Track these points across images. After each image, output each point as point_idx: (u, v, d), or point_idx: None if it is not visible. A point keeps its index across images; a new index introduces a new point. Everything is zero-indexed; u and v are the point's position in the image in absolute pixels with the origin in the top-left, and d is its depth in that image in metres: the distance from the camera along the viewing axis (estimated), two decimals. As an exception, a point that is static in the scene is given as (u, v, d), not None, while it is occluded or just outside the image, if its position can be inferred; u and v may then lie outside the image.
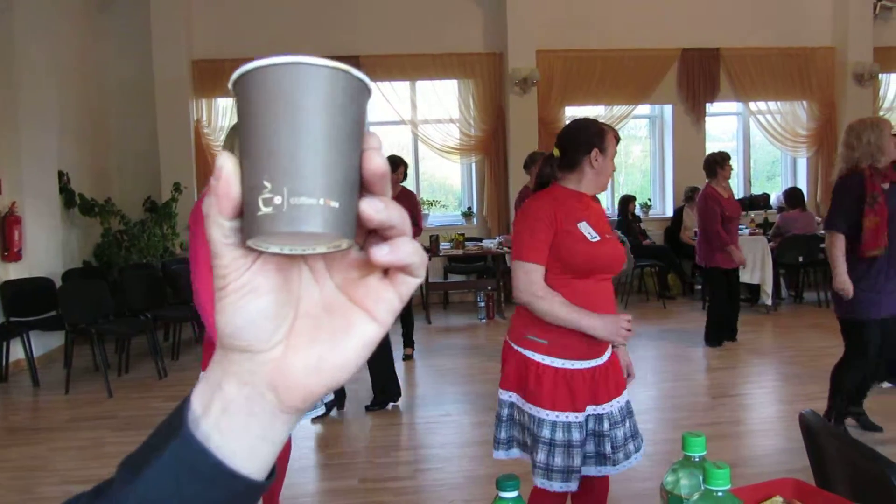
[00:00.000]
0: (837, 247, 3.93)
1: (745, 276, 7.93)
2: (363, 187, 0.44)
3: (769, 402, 5.22)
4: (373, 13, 9.14)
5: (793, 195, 8.63)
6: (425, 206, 9.56)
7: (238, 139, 0.42)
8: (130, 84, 8.89)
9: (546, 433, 2.34)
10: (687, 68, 9.70)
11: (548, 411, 2.35)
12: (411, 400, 5.45)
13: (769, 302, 8.02)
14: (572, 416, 2.35)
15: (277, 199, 0.39)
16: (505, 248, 8.28)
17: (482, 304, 8.29)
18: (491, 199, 9.51)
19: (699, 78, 9.73)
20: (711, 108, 9.93)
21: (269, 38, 8.90)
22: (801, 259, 8.18)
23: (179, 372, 6.42)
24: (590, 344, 2.38)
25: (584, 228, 2.39)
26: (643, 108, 9.98)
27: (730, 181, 6.53)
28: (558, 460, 2.33)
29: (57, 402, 5.74)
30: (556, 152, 2.49)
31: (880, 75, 9.96)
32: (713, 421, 4.70)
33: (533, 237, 2.39)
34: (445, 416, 4.97)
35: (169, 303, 7.03)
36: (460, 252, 8.22)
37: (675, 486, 1.13)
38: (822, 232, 4.43)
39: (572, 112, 9.63)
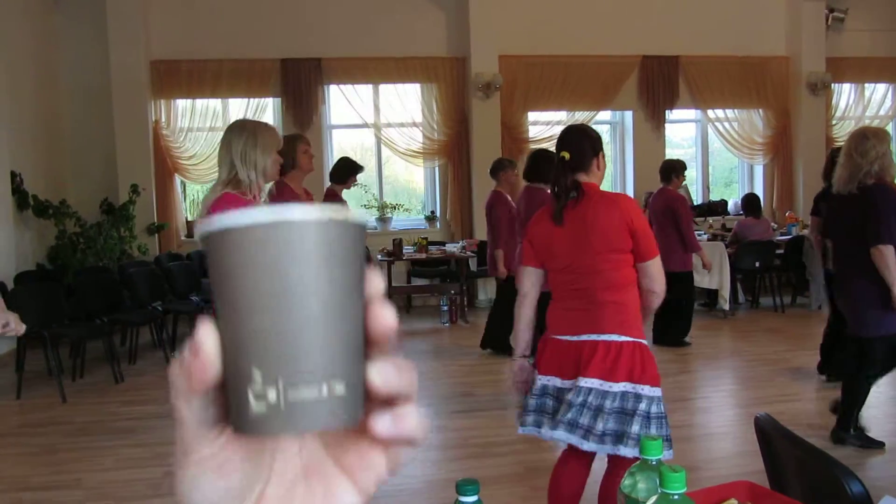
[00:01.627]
0: (891, 259, 3.66)
1: (703, 282, 8.06)
2: (368, 346, 0.37)
3: (726, 406, 5.30)
4: (335, 16, 9.09)
5: (750, 202, 8.79)
6: (388, 210, 9.53)
7: (216, 303, 0.35)
8: (87, 84, 8.71)
9: (655, 409, 2.62)
10: (647, 75, 9.83)
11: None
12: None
13: (726, 307, 8.15)
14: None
15: (272, 395, 0.33)
16: (468, 253, 8.29)
17: (445, 308, 8.28)
18: (454, 204, 9.52)
19: (659, 85, 9.86)
20: (671, 114, 10.06)
21: (229, 38, 8.80)
22: (757, 265, 8.33)
23: (136, 377, 6.30)
24: None
25: None
26: (604, 114, 10.07)
27: (689, 187, 6.70)
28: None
29: (7, 407, 5.58)
30: (567, 156, 2.63)
31: (832, 85, 10.20)
32: (672, 424, 4.74)
33: None
34: (407, 420, 4.95)
35: (126, 306, 6.89)
36: (424, 256, 8.22)
37: (632, 489, 1.14)
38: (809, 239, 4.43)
39: (535, 117, 9.70)
